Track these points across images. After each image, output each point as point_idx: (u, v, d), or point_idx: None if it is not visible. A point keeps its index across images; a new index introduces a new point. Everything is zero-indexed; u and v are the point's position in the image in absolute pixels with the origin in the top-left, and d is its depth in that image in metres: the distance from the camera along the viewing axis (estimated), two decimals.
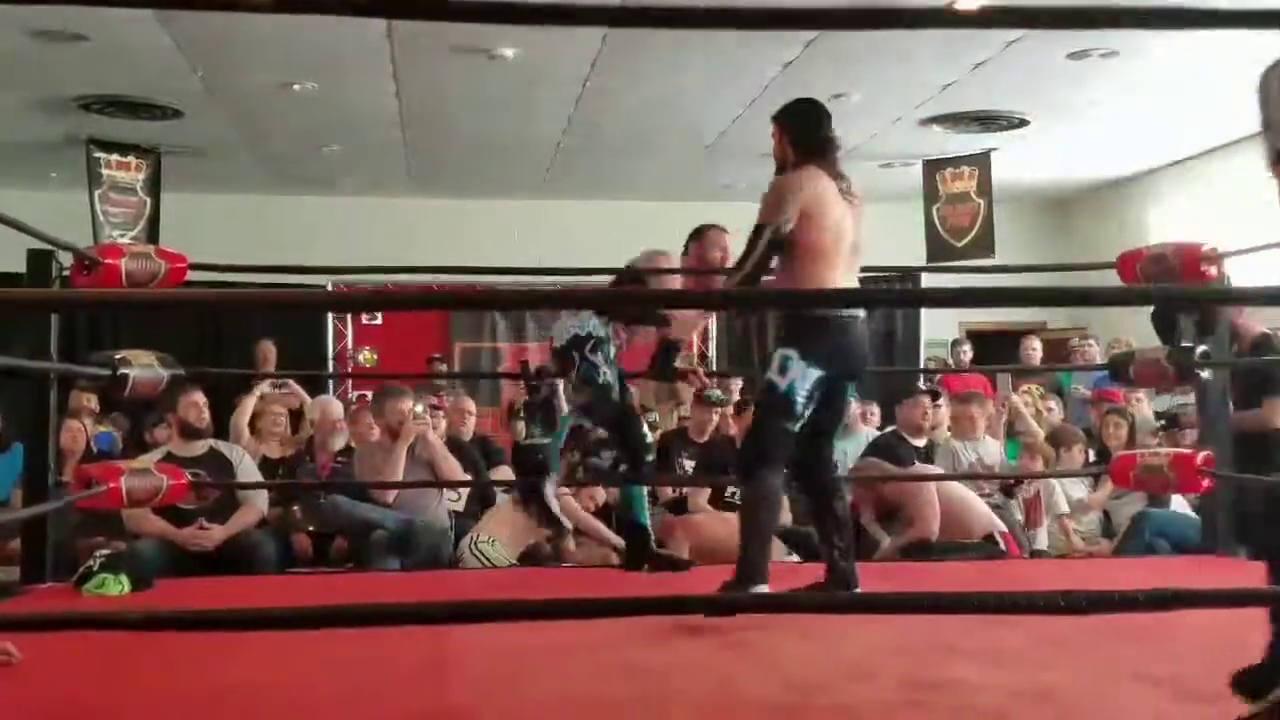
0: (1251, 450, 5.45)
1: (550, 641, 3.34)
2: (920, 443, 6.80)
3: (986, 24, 5.27)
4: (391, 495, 6.19)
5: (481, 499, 6.81)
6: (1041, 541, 6.60)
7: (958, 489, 6.25)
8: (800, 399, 4.02)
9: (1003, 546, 6.15)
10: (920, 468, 6.51)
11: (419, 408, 6.61)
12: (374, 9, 4.61)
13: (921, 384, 8.49)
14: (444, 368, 10.93)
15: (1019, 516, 6.63)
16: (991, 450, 6.95)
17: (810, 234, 4.00)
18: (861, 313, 4.20)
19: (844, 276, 4.07)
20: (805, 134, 4.18)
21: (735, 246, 4.37)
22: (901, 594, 3.58)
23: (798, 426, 4.04)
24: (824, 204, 4.02)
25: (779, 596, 3.71)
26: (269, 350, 9.48)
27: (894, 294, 11.71)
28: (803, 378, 4.01)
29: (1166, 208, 11.00)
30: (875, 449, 6.71)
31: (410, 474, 6.28)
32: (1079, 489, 6.85)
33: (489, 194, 11.73)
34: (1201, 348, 5.06)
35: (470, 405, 7.61)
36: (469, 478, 6.68)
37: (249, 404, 7.51)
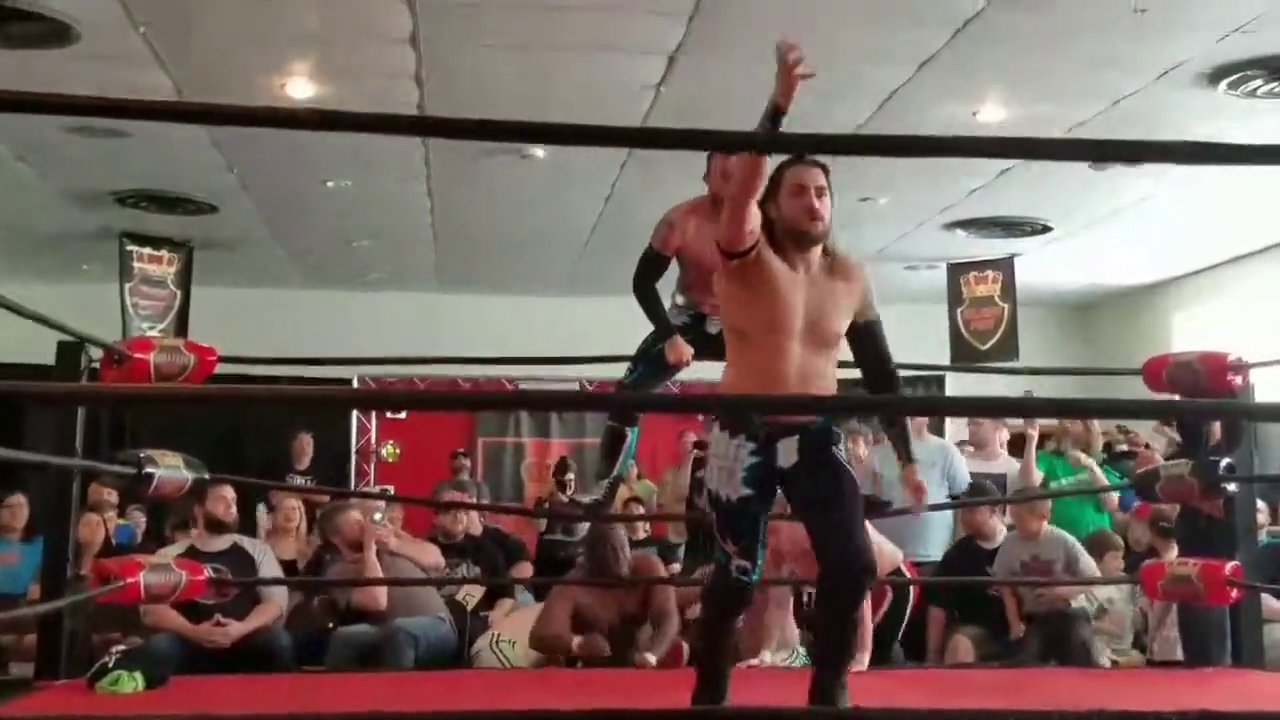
0: None
1: None
2: (992, 545, 6.76)
3: (1003, 154, 5.33)
4: (382, 605, 6.17)
5: (492, 594, 6.79)
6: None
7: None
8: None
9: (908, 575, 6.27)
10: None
11: (376, 514, 6.61)
12: (411, 128, 4.71)
13: None
14: (467, 463, 10.93)
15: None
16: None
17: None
18: None
19: None
20: None
21: None
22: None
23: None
24: None
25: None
26: (306, 443, 9.44)
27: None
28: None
29: (1190, 315, 10.99)
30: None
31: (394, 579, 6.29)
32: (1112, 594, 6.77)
33: (517, 290, 11.81)
34: (1226, 460, 5.02)
35: None
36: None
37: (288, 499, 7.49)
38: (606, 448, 5.30)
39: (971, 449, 7.91)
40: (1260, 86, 6.12)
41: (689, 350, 4.94)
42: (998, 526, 6.84)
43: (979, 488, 7.11)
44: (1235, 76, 6.08)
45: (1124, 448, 8.66)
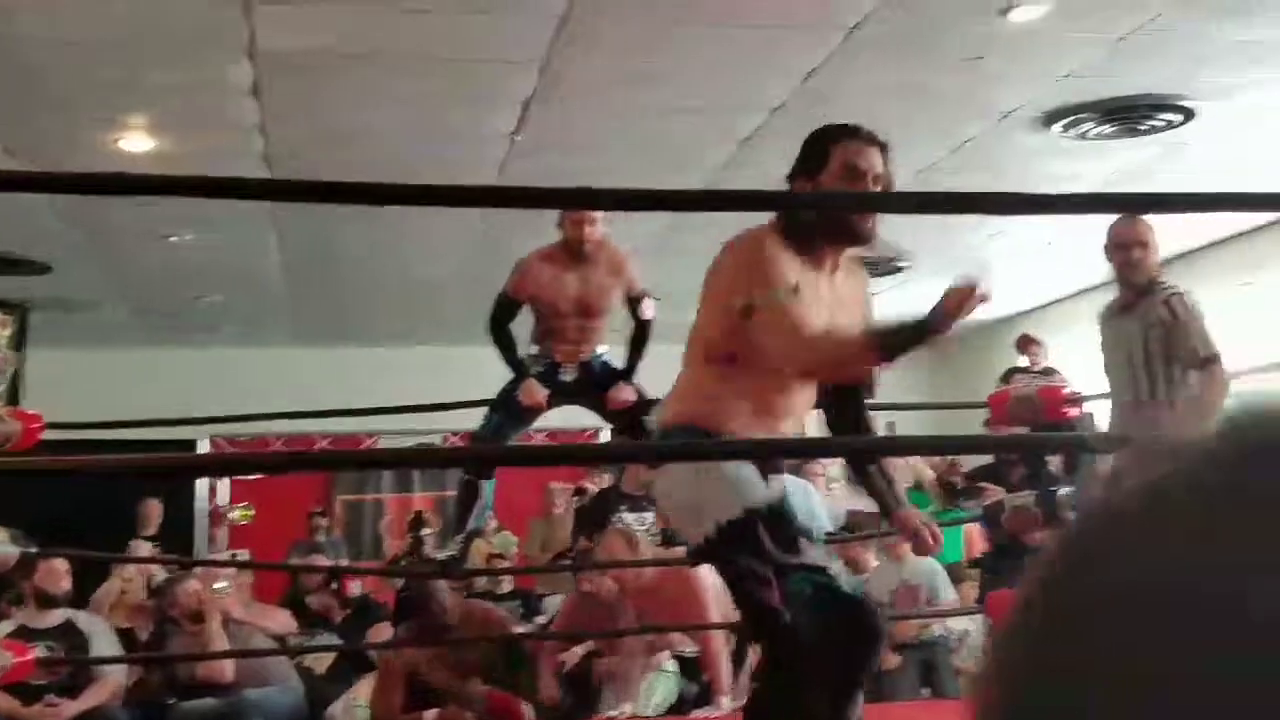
0: None
1: None
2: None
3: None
4: (228, 677, 5.97)
5: (354, 659, 6.62)
6: None
7: None
8: None
9: None
10: None
11: (219, 583, 6.42)
12: (257, 193, 4.58)
13: None
14: (325, 523, 10.69)
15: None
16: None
17: None
18: None
19: None
20: None
21: None
22: None
23: None
24: None
25: None
26: (153, 508, 9.15)
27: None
28: None
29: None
30: None
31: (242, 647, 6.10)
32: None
33: (377, 342, 11.62)
34: (1065, 490, 5.18)
35: None
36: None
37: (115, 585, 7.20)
38: (461, 503, 5.23)
39: (837, 486, 8.04)
40: (1091, 129, 6.37)
41: (543, 391, 4.93)
42: (870, 560, 6.96)
43: (857, 523, 7.24)
44: (1068, 120, 6.30)
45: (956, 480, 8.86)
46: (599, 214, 4.97)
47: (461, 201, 5.01)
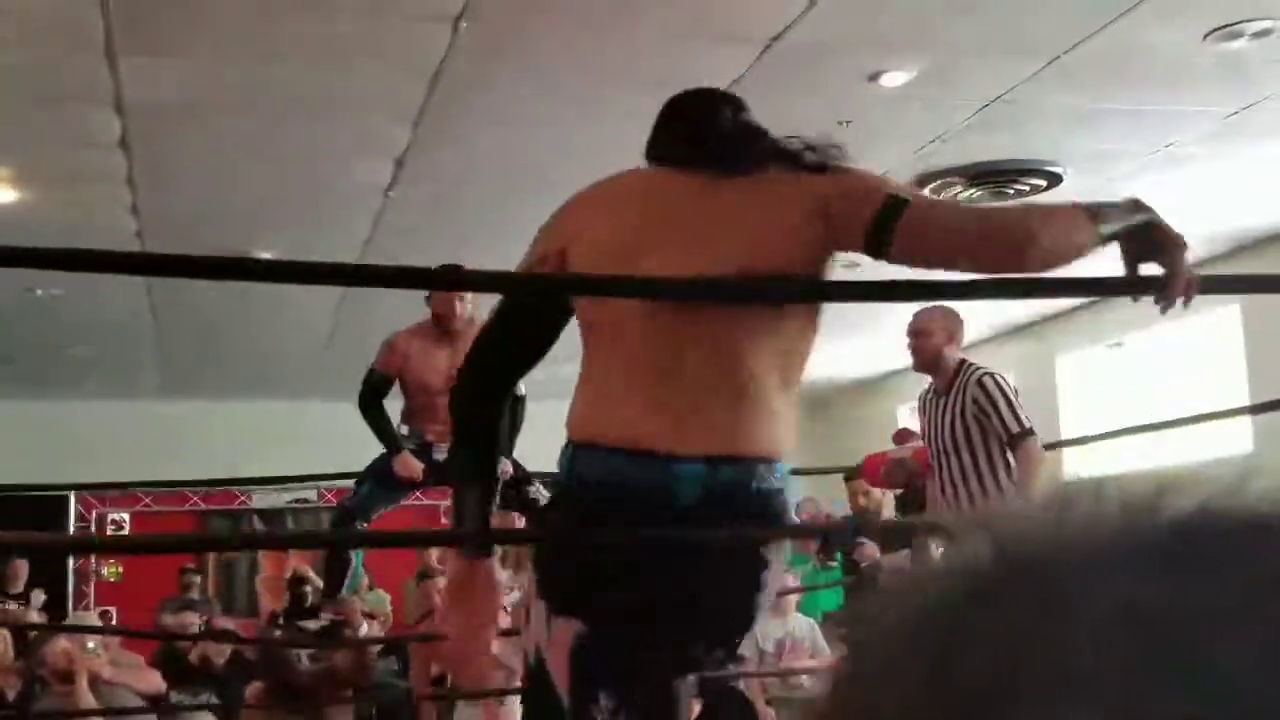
0: None
1: None
2: None
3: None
4: None
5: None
6: None
7: None
8: None
9: None
10: None
11: (90, 642, 6.28)
12: (133, 266, 4.53)
13: None
14: (197, 580, 10.45)
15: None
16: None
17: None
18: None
19: None
20: None
21: None
22: None
23: None
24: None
25: None
26: (20, 567, 8.90)
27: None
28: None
29: (913, 404, 11.51)
30: None
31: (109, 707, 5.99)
32: None
33: (247, 396, 11.45)
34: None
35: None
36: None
37: None
38: (330, 571, 5.17)
39: None
40: (960, 192, 6.50)
41: (419, 464, 4.89)
42: None
43: None
44: (938, 183, 6.44)
45: None
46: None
47: (323, 279, 4.88)
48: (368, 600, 8.88)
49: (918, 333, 4.79)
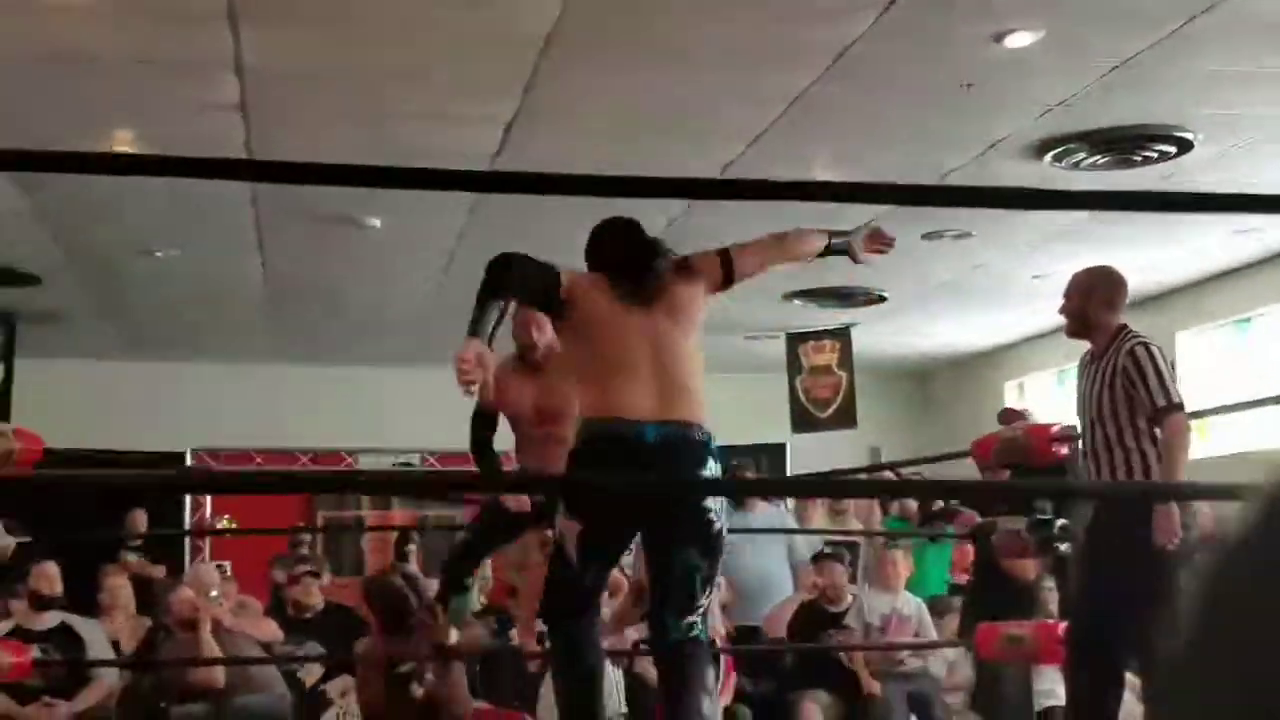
0: None
1: None
2: (838, 608, 6.85)
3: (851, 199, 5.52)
4: (219, 684, 6.00)
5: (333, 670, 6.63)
6: None
7: None
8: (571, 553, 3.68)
9: None
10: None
11: (212, 592, 6.47)
12: (231, 173, 4.59)
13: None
14: (306, 538, 10.65)
15: None
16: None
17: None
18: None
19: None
20: None
21: None
22: None
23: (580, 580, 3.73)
24: None
25: None
26: (140, 518, 9.15)
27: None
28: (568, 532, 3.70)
29: (1023, 380, 11.32)
30: None
31: (232, 655, 6.13)
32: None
33: (354, 361, 11.61)
34: (1061, 521, 5.14)
35: None
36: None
37: (114, 576, 7.24)
38: (447, 578, 5.27)
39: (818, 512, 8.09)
40: (1084, 159, 6.33)
41: (525, 498, 4.93)
42: (847, 589, 6.95)
43: (837, 552, 7.26)
44: (1059, 150, 6.28)
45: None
46: (544, 320, 4.68)
47: (453, 185, 4.98)
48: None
49: (1063, 295, 4.61)
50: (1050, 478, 5.25)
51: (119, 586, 7.14)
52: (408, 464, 11.63)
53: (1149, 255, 8.20)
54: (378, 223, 7.65)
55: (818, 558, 7.24)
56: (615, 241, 3.88)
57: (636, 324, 3.66)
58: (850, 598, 6.95)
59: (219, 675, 6.01)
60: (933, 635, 6.79)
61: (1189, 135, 6.13)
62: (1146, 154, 6.22)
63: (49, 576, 5.85)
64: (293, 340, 10.91)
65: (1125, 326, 4.49)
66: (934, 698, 6.52)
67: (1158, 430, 4.30)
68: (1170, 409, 4.26)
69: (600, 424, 3.62)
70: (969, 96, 5.67)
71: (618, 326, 3.66)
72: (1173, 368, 4.44)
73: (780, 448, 10.93)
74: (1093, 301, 4.52)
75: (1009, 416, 7.52)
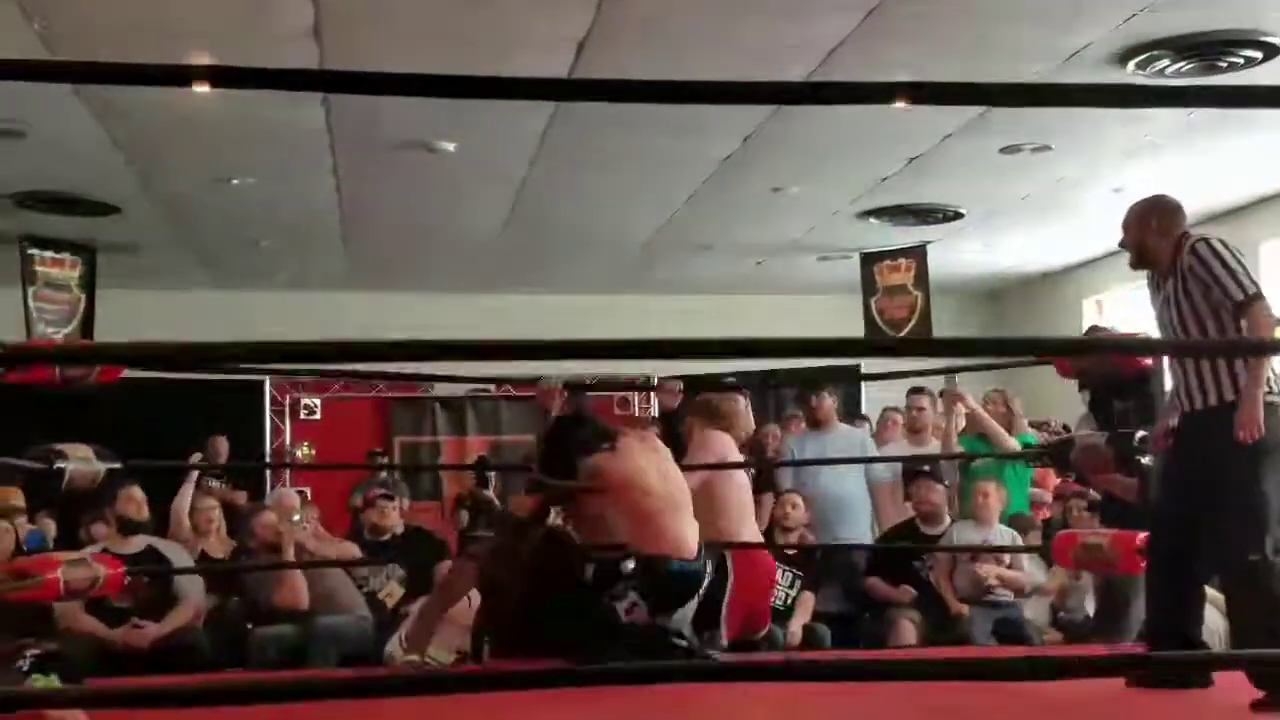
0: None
1: None
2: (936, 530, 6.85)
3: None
4: (303, 604, 6.13)
5: (413, 592, 6.72)
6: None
7: None
8: None
9: None
10: None
11: (294, 516, 6.59)
12: (311, 84, 4.58)
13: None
14: (384, 462, 10.82)
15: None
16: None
17: None
18: None
19: None
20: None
21: None
22: None
23: None
24: None
25: None
26: (221, 445, 9.30)
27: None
28: None
29: (1101, 298, 11.16)
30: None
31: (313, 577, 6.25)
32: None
33: (428, 288, 11.68)
34: (1141, 433, 5.05)
35: None
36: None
37: (188, 492, 7.36)
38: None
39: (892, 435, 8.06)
40: (1168, 66, 6.17)
41: None
42: (945, 513, 6.89)
43: (935, 470, 7.22)
44: (1143, 57, 6.14)
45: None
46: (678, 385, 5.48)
47: (532, 94, 4.96)
48: None
49: (1120, 228, 4.47)
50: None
51: (211, 509, 7.27)
52: (483, 389, 11.71)
53: (1230, 164, 8.04)
54: (451, 147, 7.65)
55: (916, 475, 7.17)
56: None
57: None
58: (948, 520, 6.89)
59: (303, 596, 6.13)
60: (1025, 567, 6.71)
61: (1274, 39, 5.97)
62: (1232, 59, 6.07)
63: (136, 500, 5.95)
64: (368, 267, 10.99)
65: (1185, 234, 4.33)
66: (1023, 623, 6.45)
67: (1243, 323, 4.12)
68: (1249, 301, 4.06)
69: None
70: (1047, 5, 5.55)
71: None
72: (1242, 256, 4.24)
73: (855, 369, 10.85)
74: (1151, 231, 4.37)
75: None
